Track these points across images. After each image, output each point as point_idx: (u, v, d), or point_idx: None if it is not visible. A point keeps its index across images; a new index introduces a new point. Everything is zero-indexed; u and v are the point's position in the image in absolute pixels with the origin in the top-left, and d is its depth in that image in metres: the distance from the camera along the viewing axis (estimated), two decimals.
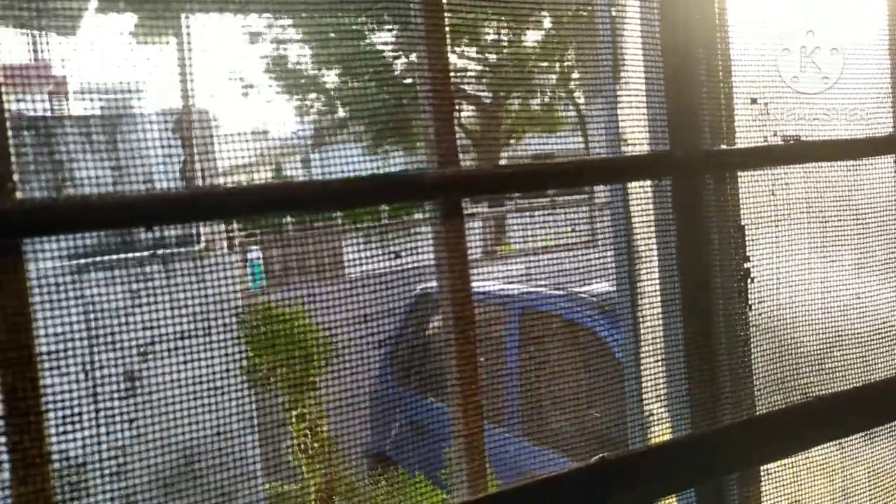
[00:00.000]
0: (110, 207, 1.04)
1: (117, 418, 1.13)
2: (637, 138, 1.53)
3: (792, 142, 1.61)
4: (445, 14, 1.28)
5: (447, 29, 1.24)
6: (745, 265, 1.57)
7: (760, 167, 1.57)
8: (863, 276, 1.72)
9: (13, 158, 1.00)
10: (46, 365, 1.01)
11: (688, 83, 1.51)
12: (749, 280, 1.57)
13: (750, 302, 1.57)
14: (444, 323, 1.17)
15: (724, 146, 1.54)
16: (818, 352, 1.68)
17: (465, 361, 1.08)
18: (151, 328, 1.11)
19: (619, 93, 1.64)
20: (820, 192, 1.66)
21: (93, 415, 1.08)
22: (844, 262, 1.69)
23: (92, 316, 1.08)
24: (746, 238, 1.56)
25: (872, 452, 1.74)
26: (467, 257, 1.25)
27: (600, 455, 1.26)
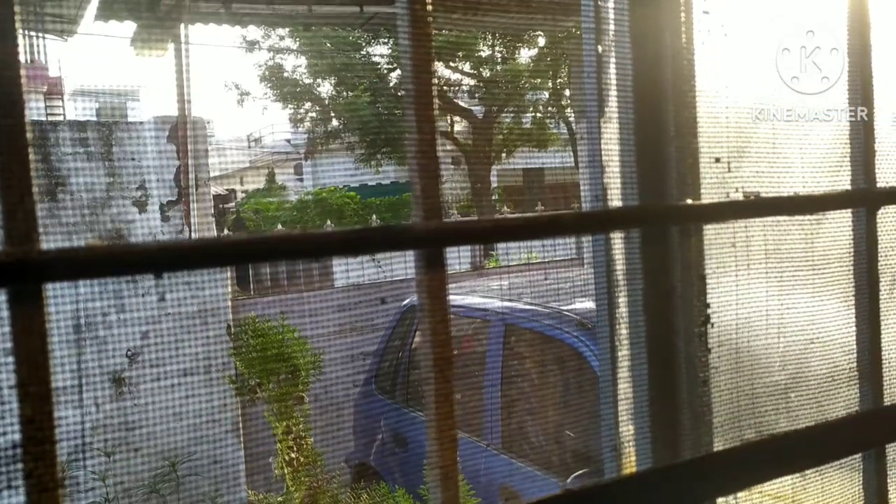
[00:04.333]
0: (122, 257, 1.14)
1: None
2: (614, 192, 1.66)
3: (752, 197, 1.74)
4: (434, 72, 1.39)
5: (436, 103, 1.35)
6: (706, 311, 1.69)
7: (722, 220, 1.69)
8: (817, 322, 1.84)
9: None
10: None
11: (657, 141, 1.64)
12: (709, 325, 1.69)
13: (709, 346, 1.69)
14: (424, 366, 1.28)
15: (689, 201, 1.66)
16: (774, 392, 1.80)
17: (444, 415, 1.19)
18: None
19: (603, 128, 1.77)
20: (777, 244, 1.78)
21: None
22: (800, 308, 1.82)
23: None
24: (707, 286, 1.68)
25: (822, 486, 1.86)
26: (448, 303, 1.36)
27: (563, 486, 1.37)
